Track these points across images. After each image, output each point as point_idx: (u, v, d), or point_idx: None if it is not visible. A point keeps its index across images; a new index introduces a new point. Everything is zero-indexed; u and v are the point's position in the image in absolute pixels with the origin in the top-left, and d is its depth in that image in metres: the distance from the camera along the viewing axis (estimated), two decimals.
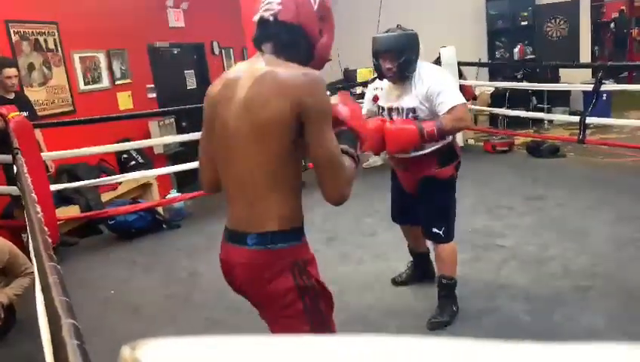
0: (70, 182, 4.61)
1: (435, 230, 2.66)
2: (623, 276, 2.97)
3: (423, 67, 2.53)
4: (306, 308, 1.41)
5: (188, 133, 5.42)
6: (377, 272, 3.35)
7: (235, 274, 1.44)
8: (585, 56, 8.40)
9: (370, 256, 3.65)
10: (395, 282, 3.17)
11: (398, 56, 2.43)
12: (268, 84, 1.32)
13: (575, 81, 7.18)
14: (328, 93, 1.38)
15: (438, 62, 6.37)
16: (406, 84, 2.52)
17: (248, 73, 1.37)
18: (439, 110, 2.42)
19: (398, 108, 2.55)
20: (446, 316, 2.71)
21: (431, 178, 2.60)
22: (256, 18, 1.41)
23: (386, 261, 3.51)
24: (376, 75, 2.70)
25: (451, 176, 2.64)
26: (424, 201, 2.67)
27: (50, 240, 1.43)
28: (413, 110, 2.50)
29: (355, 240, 3.97)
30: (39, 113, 4.63)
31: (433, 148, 2.53)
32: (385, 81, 2.62)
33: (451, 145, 2.62)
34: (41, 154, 4.09)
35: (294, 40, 1.39)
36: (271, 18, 1.37)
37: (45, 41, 4.91)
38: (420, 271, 3.16)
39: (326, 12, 1.44)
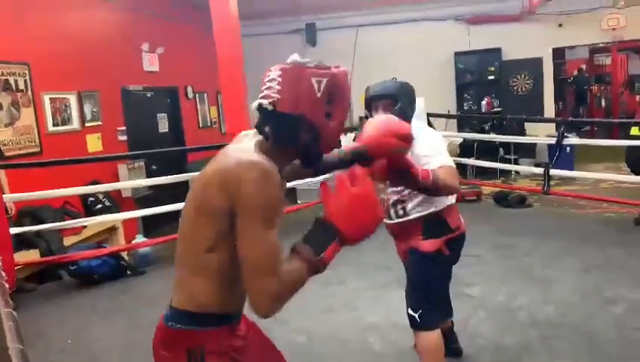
0: (33, 224, 4.47)
1: (410, 312, 2.29)
2: (588, 326, 2.99)
3: (414, 126, 2.10)
4: None
5: (158, 176, 5.37)
6: (346, 322, 3.30)
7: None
8: (549, 110, 8.76)
9: (340, 305, 3.60)
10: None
11: (394, 103, 2.23)
12: (218, 165, 1.25)
13: (540, 134, 7.46)
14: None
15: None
16: None
17: (221, 151, 1.32)
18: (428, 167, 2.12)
19: None
20: None
21: (414, 250, 2.30)
22: (255, 105, 1.32)
23: (354, 310, 3.46)
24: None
25: (436, 252, 2.25)
26: (408, 276, 2.41)
27: (7, 286, 1.37)
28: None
29: (323, 289, 3.92)
30: (4, 153, 4.53)
31: (419, 214, 2.26)
32: None
33: (439, 216, 2.26)
34: (3, 195, 3.97)
35: (294, 130, 1.27)
36: (269, 107, 1.27)
37: (15, 81, 4.86)
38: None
39: (335, 93, 1.29)
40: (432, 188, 2.03)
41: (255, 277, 1.18)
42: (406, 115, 2.18)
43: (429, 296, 2.30)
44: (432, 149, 2.17)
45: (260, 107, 1.29)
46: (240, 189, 1.17)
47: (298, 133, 1.27)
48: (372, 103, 2.32)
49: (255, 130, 1.34)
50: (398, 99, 2.24)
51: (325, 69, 1.29)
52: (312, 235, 1.26)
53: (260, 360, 1.44)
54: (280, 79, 1.27)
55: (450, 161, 2.18)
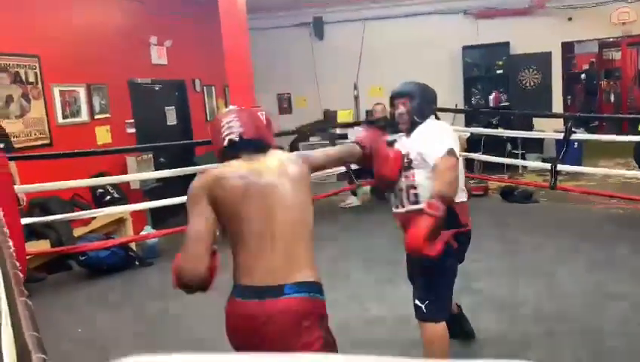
0: (42, 215, 4.53)
1: (417, 302, 2.37)
2: (591, 321, 3.01)
3: (428, 121, 2.47)
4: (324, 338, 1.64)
5: (166, 169, 5.41)
6: (352, 316, 3.33)
7: (269, 329, 1.53)
8: (557, 105, 8.71)
9: (345, 298, 3.63)
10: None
11: (411, 100, 2.44)
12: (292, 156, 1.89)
13: (548, 128, 7.42)
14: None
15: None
16: (412, 134, 2.46)
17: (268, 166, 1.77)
18: (428, 161, 2.28)
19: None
20: None
21: None
22: (226, 143, 1.76)
23: (360, 303, 3.49)
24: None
25: (445, 243, 2.26)
26: (416, 267, 2.48)
27: (21, 275, 1.41)
28: (407, 155, 2.38)
29: (329, 283, 3.94)
30: (15, 145, 4.58)
31: None
32: (402, 136, 2.54)
33: (451, 209, 2.27)
34: (14, 186, 4.03)
35: (257, 150, 1.77)
36: (237, 138, 1.75)
37: (26, 73, 4.91)
38: (453, 330, 2.65)
39: (269, 122, 1.88)
40: (451, 199, 2.18)
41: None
42: (421, 111, 2.44)
43: (436, 287, 2.35)
44: (441, 136, 2.32)
45: (231, 142, 1.81)
46: None
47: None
48: (393, 101, 2.54)
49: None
50: (414, 97, 2.45)
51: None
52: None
53: None
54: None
55: (442, 148, 2.22)
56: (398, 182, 2.41)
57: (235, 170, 1.71)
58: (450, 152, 2.21)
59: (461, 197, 2.35)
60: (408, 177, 2.38)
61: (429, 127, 2.43)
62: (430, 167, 2.27)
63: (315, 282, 1.62)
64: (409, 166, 2.37)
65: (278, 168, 1.72)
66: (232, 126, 1.76)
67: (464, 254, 2.50)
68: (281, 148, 1.95)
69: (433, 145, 2.28)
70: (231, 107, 1.92)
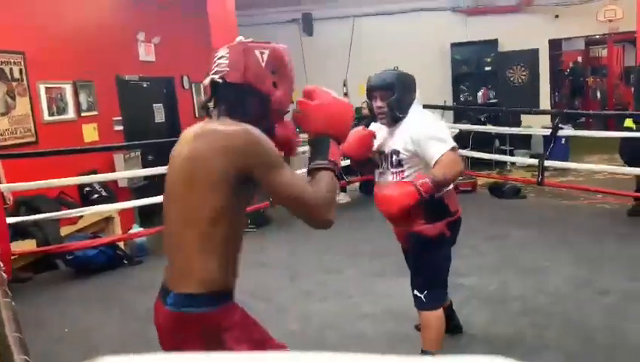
0: (28, 214, 4.47)
1: (416, 293, 2.39)
2: (580, 316, 3.03)
3: (413, 111, 2.37)
4: None
5: (154, 166, 5.37)
6: (341, 310, 3.34)
7: (159, 332, 1.42)
8: (545, 101, 8.78)
9: (334, 294, 3.63)
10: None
11: (389, 94, 2.33)
12: (207, 141, 1.33)
13: (535, 125, 7.47)
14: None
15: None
16: (396, 127, 2.38)
17: (194, 130, 1.40)
18: (428, 159, 2.24)
19: (383, 152, 2.42)
20: None
21: (417, 234, 2.36)
22: (207, 82, 1.42)
23: (349, 298, 3.49)
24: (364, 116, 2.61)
25: (439, 235, 2.33)
26: (411, 260, 2.49)
27: (5, 276, 1.39)
28: (397, 153, 2.34)
29: (318, 278, 3.95)
30: (0, 143, 4.53)
31: None
32: (380, 125, 2.48)
33: (441, 200, 2.32)
34: (0, 185, 3.97)
35: (244, 99, 1.41)
36: (220, 80, 1.40)
37: (11, 70, 4.84)
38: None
39: (279, 64, 1.44)
40: (439, 190, 2.21)
41: (300, 206, 1.34)
42: (402, 104, 2.33)
43: (434, 277, 2.39)
44: (436, 132, 2.27)
45: (212, 82, 1.40)
46: (250, 156, 1.30)
47: (248, 102, 1.40)
48: (371, 93, 2.43)
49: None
50: (394, 90, 2.33)
51: (267, 43, 1.45)
52: (313, 154, 1.41)
53: (257, 331, 1.49)
54: (228, 55, 1.41)
55: (445, 144, 2.22)
56: (384, 172, 2.42)
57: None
58: (454, 148, 2.23)
59: (450, 185, 2.38)
60: (398, 174, 2.37)
61: (418, 123, 2.30)
62: (423, 164, 2.27)
63: (194, 294, 1.32)
64: (398, 163, 2.35)
65: (192, 139, 1.36)
66: (220, 63, 1.42)
67: (456, 237, 2.51)
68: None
69: (433, 145, 2.22)
70: (240, 38, 1.50)
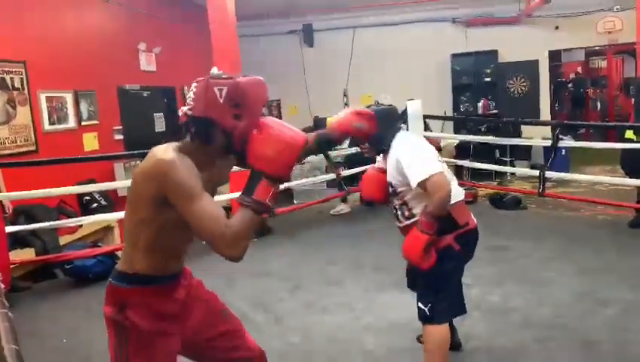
0: (28, 223, 4.46)
1: (420, 305, 2.37)
2: (582, 328, 3.01)
3: (397, 138, 2.43)
4: (114, 341, 1.68)
5: None
6: (342, 322, 3.31)
7: None
8: (545, 112, 8.79)
9: (335, 306, 3.60)
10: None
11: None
12: (142, 164, 1.56)
13: (536, 136, 7.48)
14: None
15: (404, 114, 6.55)
16: (386, 157, 2.47)
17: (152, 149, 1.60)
18: (412, 185, 2.29)
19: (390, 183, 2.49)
20: None
21: None
22: (180, 113, 1.58)
23: (351, 311, 3.47)
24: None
25: (446, 247, 2.32)
26: (417, 272, 2.44)
27: (2, 286, 1.37)
28: (391, 184, 2.43)
29: (320, 289, 3.93)
30: (0, 152, 4.52)
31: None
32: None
33: (447, 213, 2.31)
34: None
35: (206, 130, 1.54)
36: (189, 112, 1.55)
37: (12, 79, 4.85)
38: None
39: (240, 98, 1.52)
40: (438, 218, 2.22)
41: (212, 237, 1.43)
42: (384, 138, 2.42)
43: (439, 290, 2.34)
44: (411, 159, 2.30)
45: (183, 113, 1.57)
46: (167, 182, 1.46)
47: (209, 133, 1.54)
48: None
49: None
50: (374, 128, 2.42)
51: (229, 79, 1.54)
52: (246, 186, 1.50)
53: (198, 324, 1.76)
54: (194, 90, 1.56)
55: (426, 170, 2.23)
56: (391, 201, 2.49)
57: None
58: (432, 175, 2.21)
59: (456, 197, 2.34)
60: (397, 199, 2.44)
61: (399, 153, 2.35)
62: (414, 187, 2.28)
63: (119, 270, 1.66)
64: (395, 193, 2.44)
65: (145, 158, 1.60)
66: (191, 96, 1.56)
67: (473, 252, 2.49)
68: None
69: (411, 173, 2.26)
70: (214, 70, 1.63)
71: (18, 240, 4.45)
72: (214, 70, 1.62)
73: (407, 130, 6.43)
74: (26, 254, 4.42)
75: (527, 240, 4.73)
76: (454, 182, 2.44)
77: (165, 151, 1.51)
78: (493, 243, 4.72)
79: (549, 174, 5.52)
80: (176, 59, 7.48)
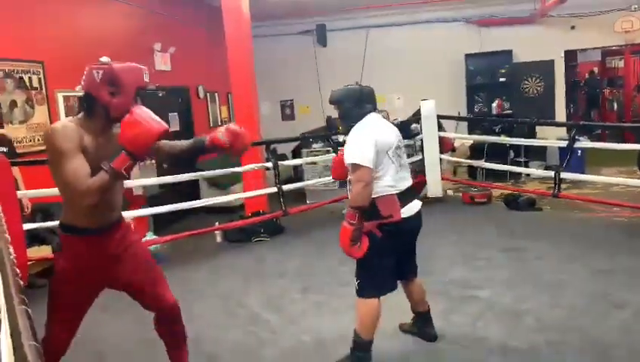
0: (45, 221, 4.52)
1: (355, 279, 2.71)
2: (596, 331, 2.98)
3: (361, 121, 2.66)
4: (52, 277, 2.24)
5: (168, 175, 5.41)
6: (353, 323, 3.31)
7: None
8: (560, 113, 8.71)
9: (346, 307, 3.61)
10: (401, 329, 3.15)
11: (339, 106, 2.75)
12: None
13: (551, 136, 7.41)
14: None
15: (418, 114, 6.54)
16: None
17: None
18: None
19: None
20: None
21: None
22: (77, 89, 2.08)
23: None
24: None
25: (369, 233, 2.58)
26: None
27: (21, 282, 1.40)
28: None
29: (330, 290, 3.94)
30: (19, 150, 4.59)
31: None
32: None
33: (372, 204, 2.55)
34: (18, 192, 4.03)
35: (88, 103, 2.06)
36: (78, 90, 2.10)
37: (30, 79, 4.93)
38: (417, 328, 3.08)
39: (114, 80, 2.02)
40: (359, 208, 2.49)
41: (73, 188, 1.94)
42: (350, 115, 2.69)
43: (364, 269, 2.66)
44: (351, 143, 2.58)
45: (78, 91, 2.12)
46: (48, 145, 1.98)
47: (90, 105, 2.06)
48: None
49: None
50: (342, 102, 2.73)
51: (108, 65, 2.05)
52: (110, 159, 1.95)
53: (126, 269, 2.29)
54: (84, 74, 2.07)
55: (355, 156, 2.50)
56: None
57: None
58: (355, 166, 2.49)
59: (384, 191, 2.58)
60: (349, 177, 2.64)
61: (351, 134, 2.63)
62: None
63: (61, 222, 2.20)
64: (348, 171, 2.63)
65: None
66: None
67: (403, 241, 2.72)
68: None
69: (347, 153, 2.58)
70: (102, 58, 2.12)
71: (35, 238, 4.52)
72: (103, 58, 2.11)
73: (421, 129, 6.42)
74: (43, 251, 4.48)
75: (541, 242, 4.70)
76: (400, 175, 2.64)
77: (55, 123, 2.08)
78: (507, 245, 4.70)
79: (564, 175, 5.47)
80: (191, 60, 7.54)
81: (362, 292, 2.67)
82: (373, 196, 2.54)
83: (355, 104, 2.69)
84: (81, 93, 2.08)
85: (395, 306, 3.49)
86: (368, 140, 2.53)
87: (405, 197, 2.65)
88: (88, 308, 2.34)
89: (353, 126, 2.67)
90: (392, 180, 2.60)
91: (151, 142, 1.94)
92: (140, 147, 1.93)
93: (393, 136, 2.68)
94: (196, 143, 2.41)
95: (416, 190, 2.85)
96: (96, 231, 2.15)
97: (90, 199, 1.92)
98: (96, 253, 2.17)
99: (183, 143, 2.43)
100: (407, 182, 2.71)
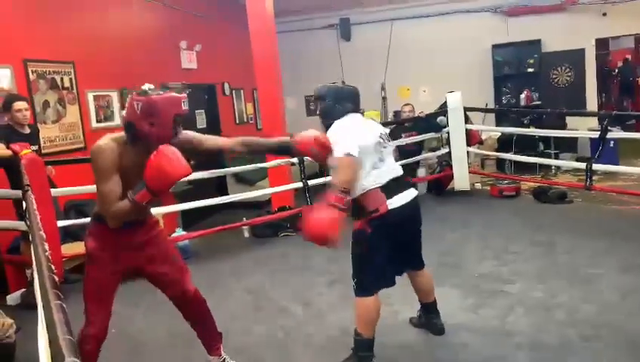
0: (78, 218, 4.64)
1: (352, 280, 2.71)
2: (629, 326, 2.92)
3: (337, 122, 2.67)
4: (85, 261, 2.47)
5: (196, 171, 5.48)
6: (381, 317, 3.31)
7: None
8: (591, 103, 8.49)
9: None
10: (412, 322, 3.17)
11: (321, 102, 2.77)
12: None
13: (582, 127, 7.24)
14: None
15: (444, 107, 6.46)
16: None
17: None
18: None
19: None
20: None
21: (353, 229, 2.69)
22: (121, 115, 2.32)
23: (389, 305, 3.46)
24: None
25: (360, 230, 2.62)
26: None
27: (56, 278, 1.44)
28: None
29: (342, 289, 3.93)
30: (51, 149, 4.72)
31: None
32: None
33: (357, 201, 2.60)
34: (52, 190, 4.14)
35: (130, 130, 2.24)
36: (123, 116, 2.31)
37: (61, 79, 5.05)
38: (424, 320, 3.10)
39: (152, 111, 2.17)
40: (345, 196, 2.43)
41: (103, 209, 2.25)
42: (330, 112, 2.72)
43: (359, 267, 2.67)
44: (331, 137, 2.52)
45: (122, 116, 2.39)
46: (93, 162, 2.22)
47: (132, 133, 2.24)
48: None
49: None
50: (323, 99, 2.75)
51: (147, 96, 2.19)
52: (137, 186, 2.18)
53: (149, 259, 2.52)
54: (127, 102, 2.26)
55: (339, 150, 2.45)
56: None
57: None
58: (345, 154, 2.44)
59: (367, 187, 2.59)
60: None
61: (332, 130, 2.63)
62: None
63: (93, 214, 2.46)
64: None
65: None
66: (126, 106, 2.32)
67: (397, 232, 2.66)
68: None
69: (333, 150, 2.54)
70: (145, 86, 2.27)
71: (69, 234, 4.64)
72: (145, 86, 2.25)
73: (448, 122, 6.35)
74: (78, 247, 4.59)
75: (573, 235, 4.61)
76: (383, 168, 2.63)
77: (102, 138, 2.25)
78: (537, 238, 4.62)
79: (596, 167, 5.33)
80: (217, 57, 7.61)
81: (361, 289, 2.67)
82: (355, 195, 2.57)
83: (335, 102, 2.72)
84: (122, 117, 2.35)
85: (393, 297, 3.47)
86: (352, 134, 2.57)
87: (390, 188, 2.63)
88: (116, 289, 2.52)
89: (331, 124, 2.68)
90: (373, 175, 2.61)
91: (169, 185, 2.18)
92: (159, 187, 2.17)
93: (373, 132, 2.69)
94: (282, 145, 2.63)
95: (406, 180, 2.82)
96: (124, 226, 2.34)
97: (114, 223, 2.25)
98: (122, 240, 2.39)
99: (266, 141, 2.67)
100: (393, 173, 2.69)
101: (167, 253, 2.59)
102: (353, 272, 2.69)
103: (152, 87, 2.24)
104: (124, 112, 2.25)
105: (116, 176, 2.18)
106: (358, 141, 2.52)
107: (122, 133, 2.26)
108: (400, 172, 2.75)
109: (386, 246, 2.64)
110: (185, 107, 2.29)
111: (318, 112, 2.81)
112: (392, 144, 2.87)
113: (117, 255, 2.38)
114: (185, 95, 2.30)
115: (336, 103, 2.71)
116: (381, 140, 2.68)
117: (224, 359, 2.80)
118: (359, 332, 2.69)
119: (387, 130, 2.89)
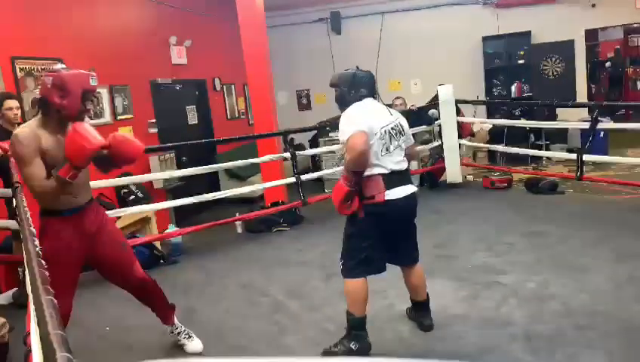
0: None
1: (339, 261, 2.79)
2: (623, 315, 2.94)
3: (348, 108, 2.72)
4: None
5: (188, 167, 5.45)
6: (376, 310, 3.31)
7: None
8: (581, 94, 8.53)
9: (370, 294, 3.60)
10: (408, 315, 3.16)
11: (335, 89, 2.86)
12: None
13: (572, 118, 7.28)
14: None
15: (435, 99, 6.47)
16: None
17: None
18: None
19: None
20: (339, 349, 2.74)
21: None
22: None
23: (385, 298, 3.47)
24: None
25: (352, 214, 2.70)
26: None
27: (47, 274, 1.43)
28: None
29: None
30: None
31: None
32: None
33: (361, 184, 2.66)
34: None
35: (44, 105, 2.44)
36: (36, 94, 2.50)
37: None
38: (413, 317, 3.10)
39: (64, 85, 2.38)
40: (357, 172, 2.60)
41: (31, 189, 2.38)
42: (343, 99, 2.79)
43: (347, 249, 2.74)
44: (341, 122, 2.65)
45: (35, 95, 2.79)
46: (13, 147, 2.38)
47: (45, 107, 2.44)
48: None
49: None
50: (337, 86, 2.84)
51: (57, 72, 2.42)
52: (59, 165, 2.35)
53: (100, 246, 2.66)
54: (41, 81, 2.47)
55: (348, 131, 2.55)
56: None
57: None
58: (353, 134, 2.52)
59: (371, 171, 2.63)
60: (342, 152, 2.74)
61: (343, 116, 2.69)
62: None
63: (40, 207, 2.55)
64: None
65: None
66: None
67: (390, 224, 2.72)
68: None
69: (340, 132, 2.64)
70: (58, 66, 2.50)
71: None
72: (57, 65, 2.49)
73: (439, 114, 6.36)
74: None
75: (565, 226, 4.64)
76: (388, 157, 2.66)
77: (20, 127, 2.46)
78: (530, 229, 4.64)
79: (586, 157, 5.37)
80: (207, 52, 7.55)
81: (346, 273, 2.74)
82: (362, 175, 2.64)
83: (350, 88, 2.77)
84: (38, 97, 2.49)
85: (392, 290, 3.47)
86: (358, 115, 2.64)
87: (392, 180, 2.65)
88: (77, 277, 2.69)
89: (345, 109, 2.74)
90: (378, 161, 2.64)
91: (86, 157, 2.34)
92: (79, 161, 2.33)
93: (385, 118, 2.72)
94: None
95: (409, 175, 2.84)
96: (68, 212, 2.51)
97: (45, 199, 2.43)
98: (72, 231, 2.53)
99: None
100: (397, 165, 2.70)
101: (117, 240, 2.76)
102: (341, 253, 2.78)
103: (63, 66, 2.48)
104: (37, 91, 2.43)
105: (37, 158, 2.34)
106: (366, 122, 2.59)
107: (38, 117, 2.44)
108: (404, 166, 2.76)
109: (375, 235, 2.68)
110: (93, 83, 2.49)
111: (335, 99, 2.88)
112: (406, 139, 2.83)
113: (70, 245, 2.51)
114: (93, 73, 2.51)
115: (350, 90, 2.76)
116: (391, 130, 2.70)
117: (178, 326, 3.02)
118: (351, 311, 2.75)
119: (405, 124, 2.86)
